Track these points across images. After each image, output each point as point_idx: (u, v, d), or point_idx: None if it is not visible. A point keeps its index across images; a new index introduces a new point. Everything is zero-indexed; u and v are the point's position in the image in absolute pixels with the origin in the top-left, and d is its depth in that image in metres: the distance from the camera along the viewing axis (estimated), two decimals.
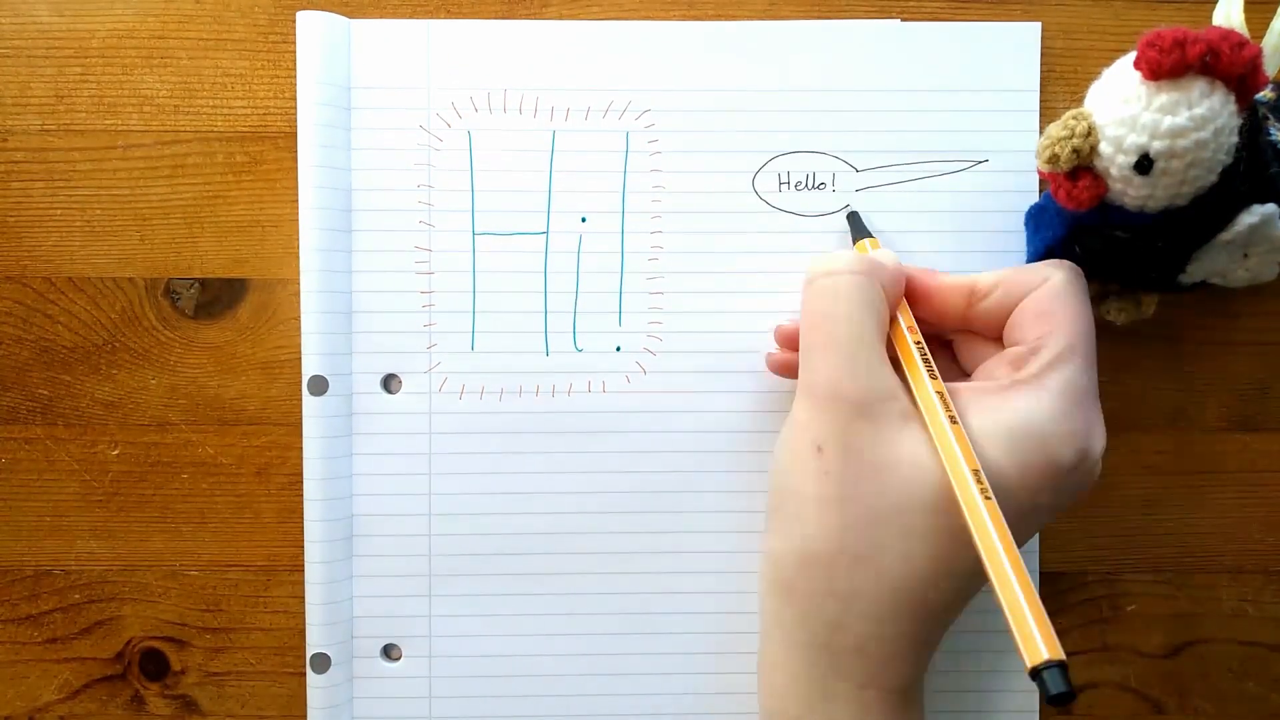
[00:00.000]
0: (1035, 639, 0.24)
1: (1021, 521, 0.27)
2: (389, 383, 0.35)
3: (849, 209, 0.34)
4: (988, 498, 0.26)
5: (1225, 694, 0.36)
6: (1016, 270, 0.31)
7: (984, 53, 0.34)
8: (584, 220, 0.35)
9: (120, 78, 0.35)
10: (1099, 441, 0.29)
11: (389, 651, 0.35)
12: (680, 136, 0.35)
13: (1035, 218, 0.34)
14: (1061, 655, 0.23)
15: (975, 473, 0.26)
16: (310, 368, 0.34)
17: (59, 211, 0.35)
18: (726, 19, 0.35)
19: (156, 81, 0.35)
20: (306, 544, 0.34)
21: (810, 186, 0.35)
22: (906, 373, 0.29)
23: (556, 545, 0.35)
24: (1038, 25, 0.34)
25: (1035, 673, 0.23)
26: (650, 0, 0.35)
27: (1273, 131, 0.30)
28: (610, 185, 0.35)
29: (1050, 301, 0.29)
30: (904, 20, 0.35)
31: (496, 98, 0.34)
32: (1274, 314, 0.35)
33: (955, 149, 0.34)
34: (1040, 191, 0.34)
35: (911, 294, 0.31)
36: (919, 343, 0.30)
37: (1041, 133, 0.32)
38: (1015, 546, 0.25)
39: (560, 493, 0.35)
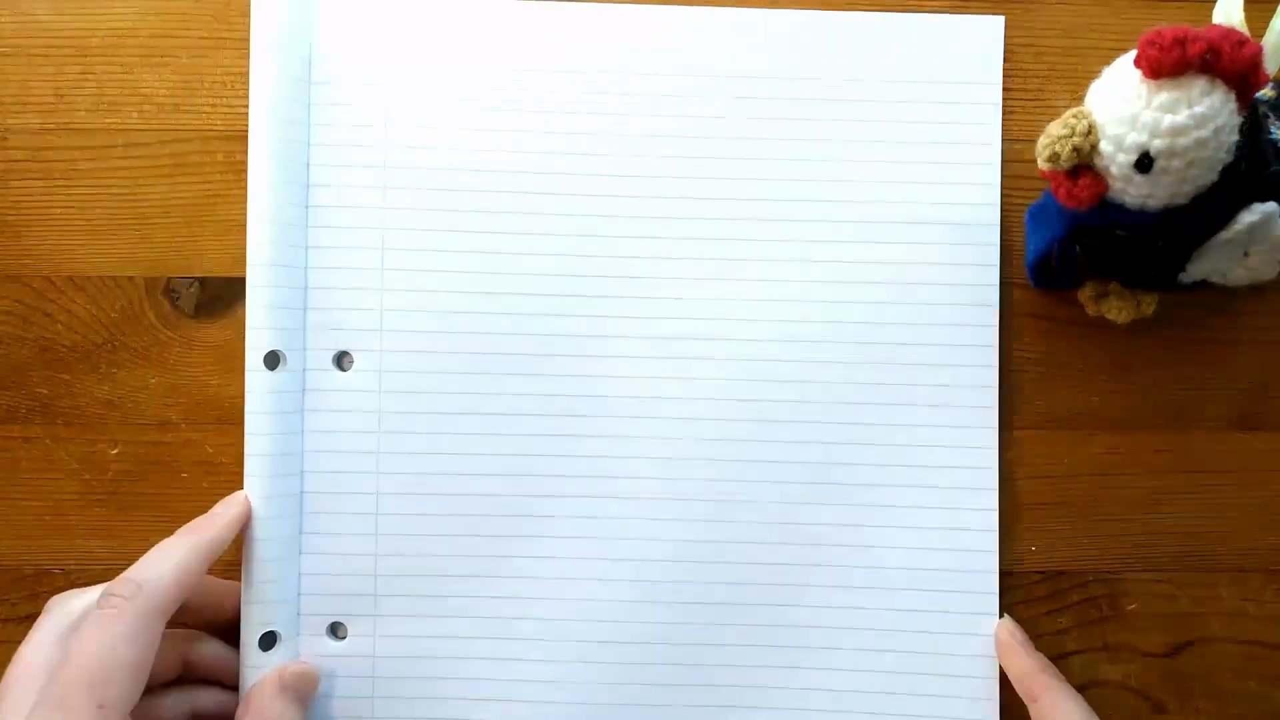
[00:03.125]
0: None
1: None
2: (341, 360, 0.35)
3: None
4: None
5: (1226, 693, 0.36)
6: None
7: (947, 48, 0.34)
8: (549, 204, 0.34)
9: (120, 77, 0.35)
10: None
11: (335, 630, 0.35)
12: (644, 121, 0.35)
13: (1035, 217, 0.34)
14: None
15: None
16: (264, 343, 0.33)
17: (59, 211, 0.35)
18: (697, 5, 0.35)
19: (157, 80, 0.35)
20: (252, 520, 0.33)
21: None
22: None
23: (504, 528, 0.35)
24: (1000, 19, 0.34)
25: None
26: None
27: (1273, 130, 0.30)
28: (578, 169, 0.35)
29: None
30: (884, 12, 0.35)
31: (461, 77, 0.34)
32: (1274, 313, 0.35)
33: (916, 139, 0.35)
34: (1039, 192, 0.34)
35: None
36: None
37: (1042, 133, 0.32)
38: None
39: (508, 474, 0.35)
